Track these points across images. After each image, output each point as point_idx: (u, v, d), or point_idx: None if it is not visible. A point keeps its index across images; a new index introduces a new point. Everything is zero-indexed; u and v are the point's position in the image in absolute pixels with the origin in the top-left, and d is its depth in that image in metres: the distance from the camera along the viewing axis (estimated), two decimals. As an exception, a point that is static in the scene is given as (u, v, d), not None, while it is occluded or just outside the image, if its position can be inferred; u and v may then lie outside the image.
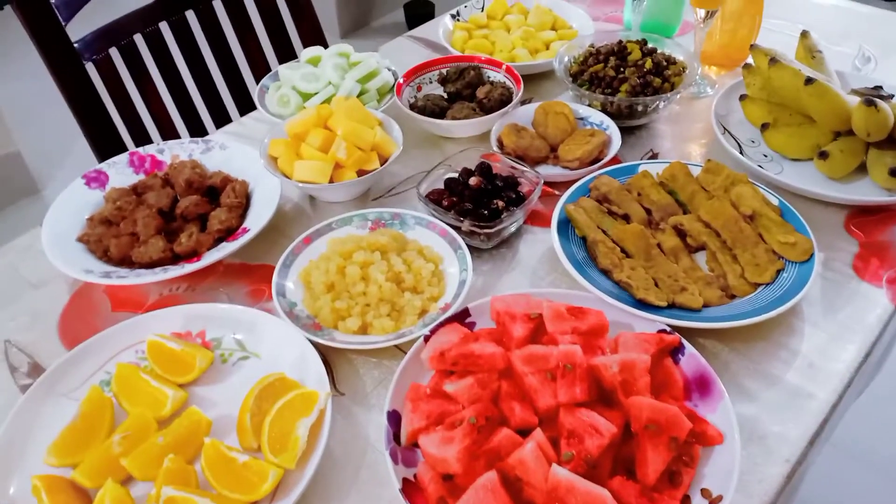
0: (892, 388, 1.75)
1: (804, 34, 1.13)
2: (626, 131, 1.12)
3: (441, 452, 0.66)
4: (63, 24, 1.32)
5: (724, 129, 1.08)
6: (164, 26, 1.50)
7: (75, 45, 1.35)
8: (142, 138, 1.49)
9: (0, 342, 0.86)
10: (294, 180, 0.96)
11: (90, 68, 1.37)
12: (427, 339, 0.77)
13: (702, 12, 1.11)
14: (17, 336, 0.87)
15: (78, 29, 1.36)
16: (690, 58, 1.12)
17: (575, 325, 0.76)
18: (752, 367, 0.79)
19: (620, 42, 1.13)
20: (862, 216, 0.96)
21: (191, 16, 1.54)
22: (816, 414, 0.74)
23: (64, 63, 1.34)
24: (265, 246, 0.96)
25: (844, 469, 1.66)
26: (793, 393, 0.76)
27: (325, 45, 1.73)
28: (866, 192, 0.97)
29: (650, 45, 1.13)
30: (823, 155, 0.96)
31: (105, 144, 1.42)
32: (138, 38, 1.47)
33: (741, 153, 1.04)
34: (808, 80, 0.95)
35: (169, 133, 1.52)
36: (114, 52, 1.42)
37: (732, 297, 0.84)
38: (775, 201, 0.92)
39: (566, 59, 1.15)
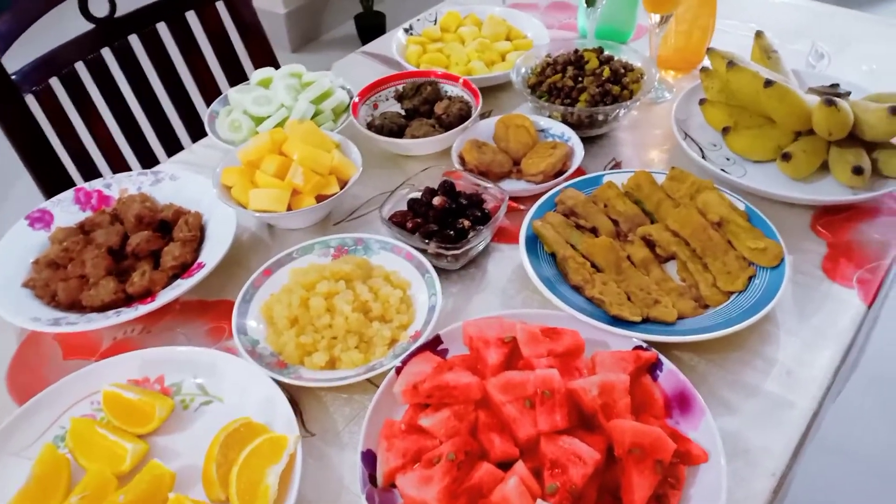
0: (870, 380, 1.77)
1: (759, 34, 1.13)
2: (587, 141, 1.11)
3: (420, 493, 0.63)
4: (-1, 54, 1.27)
5: (686, 134, 1.07)
6: (106, 53, 1.45)
7: (13, 76, 1.29)
8: (90, 172, 1.43)
9: (-57, 400, 0.81)
10: (250, 210, 0.93)
11: (31, 101, 1.32)
12: (399, 370, 0.74)
13: (656, 17, 1.10)
14: (-39, 392, 0.82)
15: (15, 60, 1.31)
16: (647, 63, 1.11)
17: (550, 348, 0.74)
18: (729, 378, 0.78)
19: (577, 51, 1.12)
20: (828, 216, 0.96)
21: (134, 40, 1.49)
22: (798, 423, 0.73)
23: (1, 96, 1.28)
24: (223, 280, 0.92)
25: (829, 465, 1.67)
26: (773, 403, 0.75)
27: (277, 65, 1.70)
28: (830, 191, 0.97)
29: (607, 53, 1.12)
30: (786, 157, 0.96)
31: (51, 181, 1.36)
32: (80, 67, 1.41)
33: (703, 158, 1.03)
34: (768, 83, 0.95)
35: (118, 164, 1.47)
36: (55, 83, 1.36)
37: (706, 306, 0.82)
38: (742, 206, 0.91)
39: (523, 70, 1.13)
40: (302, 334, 0.79)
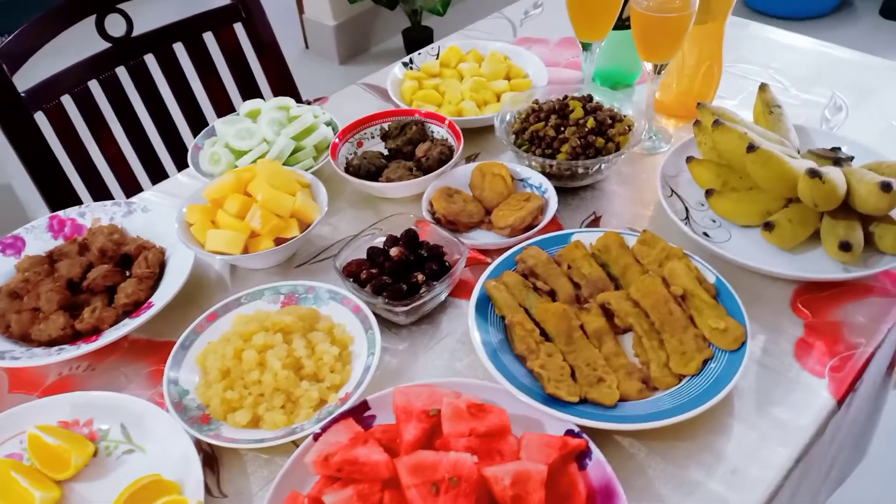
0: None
1: (762, 87, 1.06)
2: (570, 192, 1.06)
3: (303, 578, 0.60)
4: (9, 74, 1.30)
5: (672, 191, 1.02)
6: (121, 71, 1.48)
7: (23, 94, 1.32)
8: (99, 190, 1.46)
9: None
10: (206, 250, 0.92)
11: (41, 118, 1.35)
12: (317, 437, 0.72)
13: (650, 65, 1.05)
14: None
15: (27, 79, 1.34)
16: (639, 114, 1.06)
17: (473, 426, 0.70)
18: (671, 471, 0.72)
19: (564, 98, 1.07)
20: (812, 292, 0.89)
21: (150, 60, 1.52)
22: (735, 528, 0.68)
23: (10, 114, 1.31)
24: (176, 320, 0.91)
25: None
26: (713, 501, 0.69)
27: (294, 87, 1.71)
28: (818, 264, 0.90)
29: (596, 101, 1.07)
30: (769, 226, 0.90)
31: (58, 198, 1.39)
32: (94, 85, 1.44)
33: (687, 217, 0.98)
34: (751, 148, 0.89)
35: (128, 183, 1.50)
36: (67, 100, 1.40)
37: (655, 388, 0.77)
38: (712, 278, 0.85)
39: (508, 116, 1.09)
40: (230, 389, 0.78)
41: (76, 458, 0.74)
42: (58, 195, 1.39)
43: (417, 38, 3.48)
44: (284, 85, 1.69)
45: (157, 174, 1.53)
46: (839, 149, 0.97)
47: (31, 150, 1.34)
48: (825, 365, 0.81)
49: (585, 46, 1.13)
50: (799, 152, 1.00)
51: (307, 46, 3.74)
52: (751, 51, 1.38)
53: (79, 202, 1.40)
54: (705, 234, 0.96)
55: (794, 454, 0.73)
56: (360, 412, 0.75)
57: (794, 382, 0.80)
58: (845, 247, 0.86)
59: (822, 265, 0.90)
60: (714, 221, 0.98)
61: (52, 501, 0.71)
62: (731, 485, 0.71)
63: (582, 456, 0.70)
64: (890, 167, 0.90)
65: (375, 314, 0.88)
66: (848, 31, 3.45)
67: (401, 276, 0.89)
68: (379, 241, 0.95)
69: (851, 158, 0.96)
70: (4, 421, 0.78)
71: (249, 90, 1.63)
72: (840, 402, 0.78)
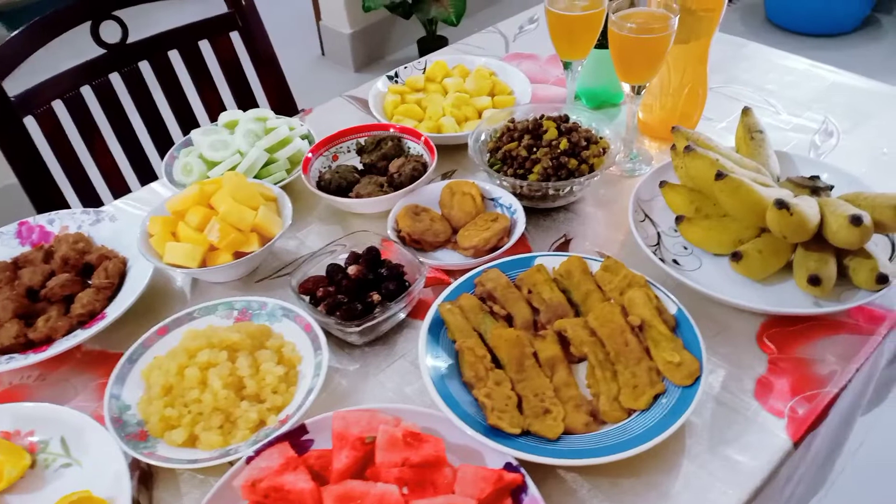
0: None
1: (745, 111, 1.03)
2: (542, 212, 1.04)
3: None
4: (-2, 78, 1.31)
5: (646, 215, 0.99)
6: (115, 78, 1.48)
7: (12, 98, 1.33)
8: (88, 195, 1.47)
9: None
10: (164, 262, 0.91)
11: (32, 123, 1.36)
12: (250, 460, 0.70)
13: (627, 86, 1.03)
14: None
15: (20, 82, 1.35)
16: (616, 136, 1.03)
17: (406, 456, 0.68)
18: (612, 509, 0.70)
19: (540, 118, 1.05)
20: (780, 326, 0.86)
21: (145, 67, 1.53)
22: (671, 575, 0.65)
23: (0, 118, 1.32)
24: (132, 330, 0.90)
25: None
26: (650, 546, 0.67)
27: (290, 98, 1.70)
28: (789, 297, 0.87)
29: (572, 122, 1.05)
30: (737, 256, 0.87)
31: (46, 202, 1.39)
32: (86, 90, 1.45)
33: (658, 243, 0.95)
34: (719, 175, 0.86)
35: (118, 188, 1.49)
36: (58, 105, 1.40)
37: (603, 423, 0.75)
38: (673, 309, 0.82)
39: (483, 134, 1.07)
40: (170, 406, 0.76)
41: (10, 471, 0.73)
42: (47, 201, 1.40)
43: (432, 47, 3.47)
44: (281, 95, 1.68)
45: (149, 182, 1.53)
46: (818, 177, 0.93)
47: (20, 154, 1.35)
48: (785, 404, 0.78)
49: (566, 65, 1.11)
50: (778, 180, 0.97)
51: (323, 53, 3.76)
52: (746, 72, 1.34)
53: (68, 208, 1.41)
54: (675, 261, 0.93)
55: (743, 497, 0.70)
56: (297, 436, 0.74)
57: (750, 421, 0.76)
58: (814, 281, 0.83)
59: (792, 298, 0.87)
60: (686, 248, 0.95)
61: (-19, 514, 0.71)
62: (674, 528, 0.68)
63: (518, 491, 0.68)
64: (867, 199, 0.87)
65: (330, 333, 0.87)
66: (872, 49, 3.38)
67: (357, 296, 0.87)
68: (342, 258, 0.93)
69: (831, 188, 0.93)
70: (-55, 429, 0.78)
71: (246, 100, 1.63)
72: (797, 444, 0.75)
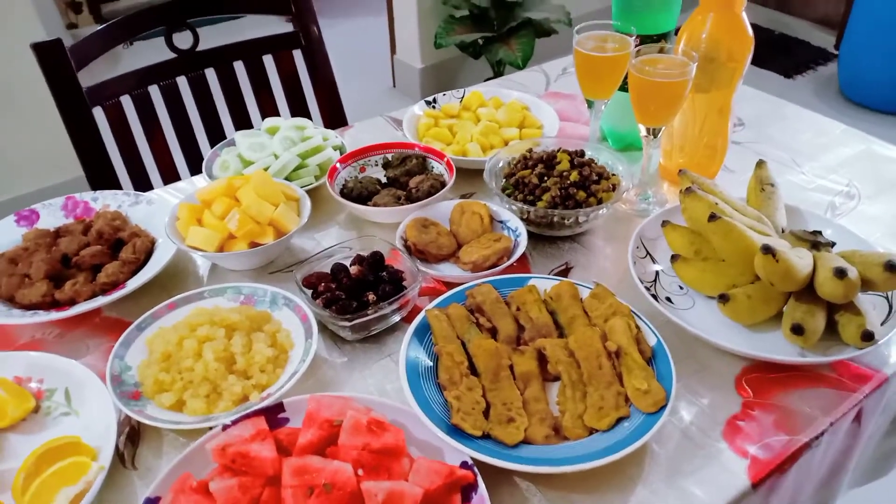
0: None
1: (760, 164, 1.05)
2: (548, 240, 1.08)
3: (162, 552, 0.63)
4: (75, 69, 1.43)
5: (648, 252, 1.01)
6: (181, 81, 1.60)
7: (85, 90, 1.45)
8: (142, 185, 1.57)
9: None
10: (186, 245, 0.98)
11: (99, 113, 1.48)
12: (226, 427, 0.75)
13: (643, 128, 1.06)
14: None
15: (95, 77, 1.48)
16: (630, 174, 1.07)
17: (368, 442, 0.72)
18: (559, 521, 0.72)
19: (556, 150, 1.09)
20: (760, 372, 0.87)
21: (210, 74, 1.64)
22: (603, 590, 0.66)
23: (71, 105, 1.44)
24: (148, 303, 0.97)
25: None
26: (589, 560, 0.68)
27: (342, 115, 1.79)
28: (775, 345, 0.88)
29: (587, 157, 1.09)
30: (724, 298, 0.88)
31: (102, 187, 1.50)
32: (153, 90, 1.57)
33: (656, 280, 0.97)
34: (712, 217, 0.88)
35: (169, 176, 1.60)
36: (126, 100, 1.52)
37: (565, 438, 0.77)
38: (653, 341, 0.84)
39: (501, 162, 1.12)
40: (164, 371, 0.82)
41: (13, 410, 0.80)
42: (103, 186, 1.50)
43: (497, 88, 3.56)
44: (334, 114, 1.78)
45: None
46: (819, 232, 0.94)
47: (85, 140, 1.47)
48: (751, 446, 0.78)
49: (590, 104, 1.15)
50: (783, 232, 0.98)
51: (394, 85, 3.89)
52: (780, 131, 1.35)
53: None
54: (669, 299, 0.95)
55: (690, 528, 0.71)
56: (273, 412, 0.78)
57: (713, 458, 0.77)
58: (797, 329, 0.84)
59: (777, 347, 0.88)
60: (681, 288, 0.97)
61: (-18, 445, 0.78)
62: (615, 546, 0.69)
63: (469, 489, 0.71)
64: (861, 256, 0.87)
65: (326, 327, 0.92)
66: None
67: (355, 294, 0.92)
68: (349, 261, 0.99)
69: (832, 244, 0.94)
70: (-36, 369, 0.85)
71: (300, 115, 1.72)
72: (756, 486, 0.75)
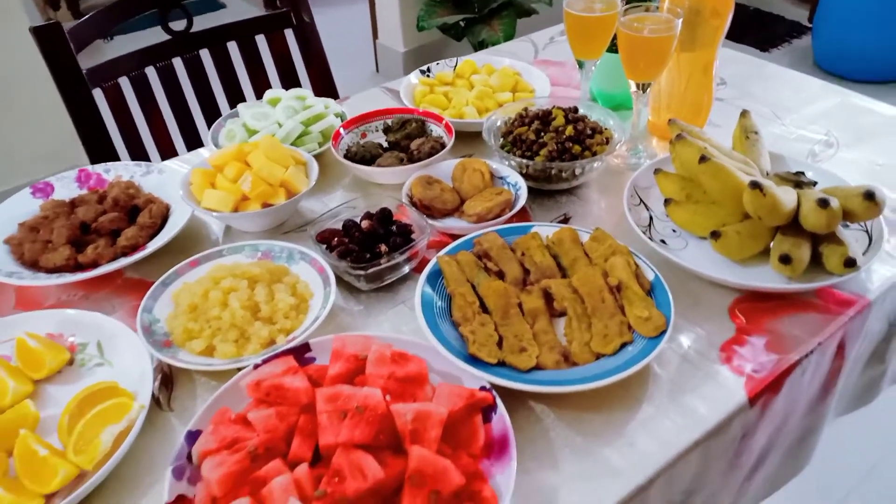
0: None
1: (744, 113, 1.11)
2: (547, 194, 1.13)
3: (209, 474, 0.68)
4: (74, 52, 1.46)
5: (641, 200, 1.07)
6: (177, 62, 1.63)
7: (84, 72, 1.48)
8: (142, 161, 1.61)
9: None
10: (201, 207, 1.03)
11: (99, 94, 1.51)
12: (257, 366, 0.80)
13: (633, 84, 1.12)
14: (-73, 321, 0.96)
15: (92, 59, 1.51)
16: (620, 129, 1.12)
17: (393, 371, 0.77)
18: (572, 437, 0.77)
19: (551, 108, 1.14)
20: (751, 301, 0.93)
21: (205, 55, 1.67)
22: (617, 491, 0.72)
23: (72, 87, 1.47)
24: (168, 264, 1.00)
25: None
26: (603, 467, 0.74)
27: (335, 93, 1.83)
28: (762, 277, 0.94)
29: (581, 114, 1.14)
30: (715, 235, 0.94)
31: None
32: (150, 71, 1.60)
33: (650, 224, 1.03)
34: (702, 159, 0.94)
35: (168, 154, 1.63)
36: (124, 82, 1.55)
37: (574, 364, 0.83)
38: (651, 276, 0.90)
39: (499, 121, 1.17)
40: (192, 321, 0.87)
41: (50, 361, 0.84)
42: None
43: (480, 70, 3.61)
44: (326, 89, 1.81)
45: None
46: (802, 173, 1.00)
47: (86, 120, 1.50)
48: (746, 365, 0.84)
49: (581, 64, 1.20)
50: (767, 175, 1.04)
51: (377, 70, 3.93)
52: (761, 89, 1.42)
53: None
54: (663, 241, 1.01)
55: (693, 437, 0.77)
56: (301, 352, 0.83)
57: (711, 377, 0.83)
58: (784, 259, 0.90)
59: (766, 278, 0.93)
60: (674, 231, 1.03)
61: (24, 394, 0.82)
62: (626, 456, 0.75)
63: (488, 410, 0.76)
64: (842, 190, 0.93)
65: (340, 280, 0.97)
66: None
67: (367, 247, 0.97)
68: (358, 218, 1.03)
69: (814, 184, 1.00)
70: (2, 325, 0.89)
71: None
72: (753, 401, 0.81)
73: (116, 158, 1.55)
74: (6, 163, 2.77)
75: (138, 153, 1.60)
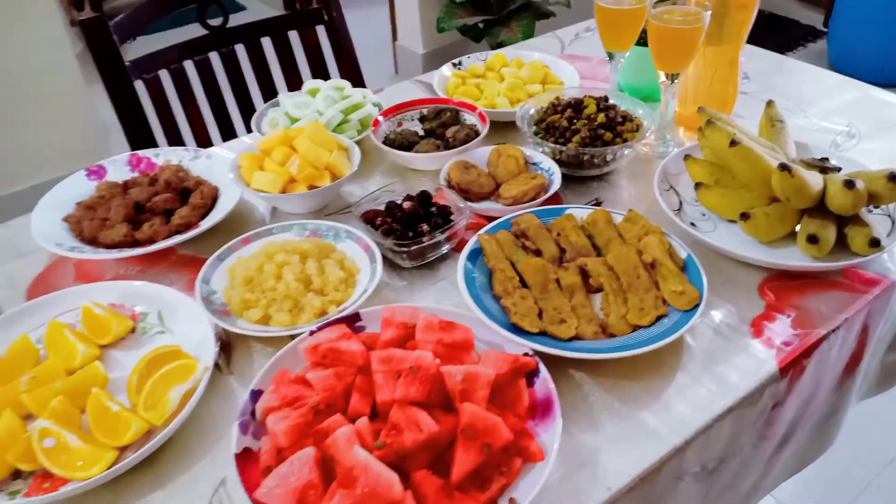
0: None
1: (769, 103, 1.15)
2: (579, 180, 1.17)
3: (275, 426, 0.73)
4: (118, 44, 1.52)
5: (671, 186, 1.11)
6: (213, 56, 1.69)
7: (127, 63, 1.54)
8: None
9: (-23, 296, 1.01)
10: (252, 188, 1.08)
11: (140, 86, 1.56)
12: (312, 333, 0.85)
13: (663, 74, 1.16)
14: (-7, 292, 1.01)
15: (134, 52, 1.56)
16: (650, 117, 1.17)
17: (440, 337, 0.81)
18: (611, 402, 0.82)
19: (582, 97, 1.19)
20: (779, 280, 0.97)
21: (240, 49, 1.73)
22: (655, 452, 0.76)
23: (115, 78, 1.53)
24: (219, 243, 1.05)
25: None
26: (640, 430, 0.78)
27: (363, 87, 1.88)
28: (790, 258, 0.98)
29: (612, 102, 1.19)
30: (745, 216, 0.98)
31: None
32: (188, 64, 1.66)
33: (680, 209, 1.07)
34: (733, 143, 0.98)
35: (204, 144, 1.69)
36: (164, 74, 1.61)
37: (611, 335, 0.87)
38: (683, 254, 0.94)
39: (532, 110, 1.22)
40: (249, 292, 0.92)
41: (116, 327, 0.89)
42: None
43: (497, 71, 3.66)
44: (356, 83, 1.86)
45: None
46: (827, 159, 1.04)
47: (128, 110, 1.55)
48: (776, 338, 0.88)
49: (610, 56, 1.25)
50: (793, 161, 1.08)
51: (397, 71, 3.99)
52: (783, 83, 1.46)
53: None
54: (693, 224, 1.05)
55: (726, 404, 0.81)
56: (352, 321, 0.88)
57: (742, 349, 0.87)
58: (812, 239, 0.94)
59: (793, 258, 0.98)
60: (704, 215, 1.07)
61: (91, 357, 0.87)
62: (663, 419, 0.79)
63: (532, 374, 0.81)
64: (866, 174, 0.97)
65: (384, 258, 1.01)
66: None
67: (409, 226, 1.01)
68: (395, 199, 1.08)
69: (839, 169, 1.04)
70: (67, 295, 0.94)
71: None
72: (783, 371, 0.85)
73: (155, 146, 1.61)
74: (35, 158, 2.84)
75: (176, 142, 1.66)
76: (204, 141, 1.69)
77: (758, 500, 1.04)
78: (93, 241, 1.05)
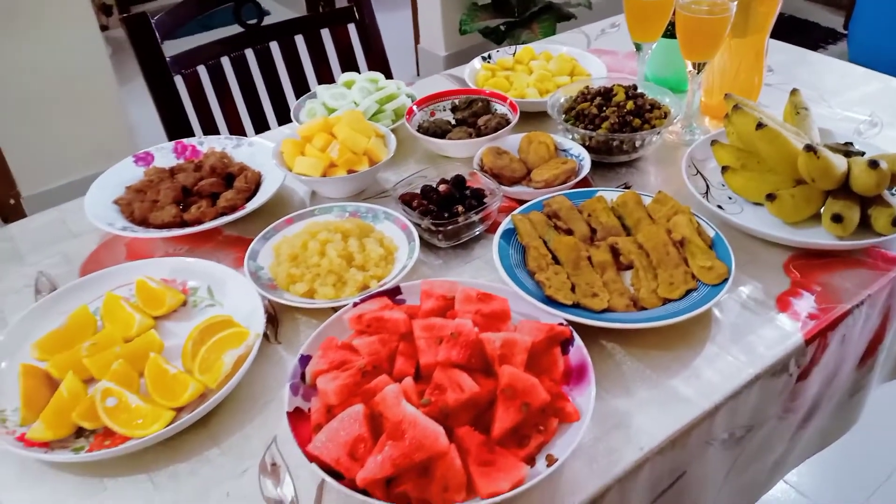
0: None
1: (794, 92, 1.18)
2: (607, 166, 1.21)
3: (325, 386, 0.77)
4: (160, 41, 1.58)
5: (698, 170, 1.15)
6: (249, 53, 1.75)
7: (167, 59, 1.60)
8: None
9: (34, 273, 1.06)
10: (294, 173, 1.12)
11: (178, 81, 1.62)
12: (356, 304, 0.89)
13: (690, 64, 1.19)
14: (49, 270, 1.07)
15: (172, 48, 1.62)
16: (677, 105, 1.20)
17: (478, 308, 0.86)
18: (642, 370, 0.85)
19: (612, 85, 1.23)
20: (805, 259, 1.00)
21: (274, 47, 1.78)
22: (686, 415, 0.79)
23: (156, 73, 1.59)
24: (263, 225, 1.10)
25: None
26: (671, 395, 0.82)
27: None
28: (815, 238, 1.01)
29: (640, 91, 1.22)
30: (771, 197, 1.01)
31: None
32: (225, 60, 1.71)
33: (707, 192, 1.11)
34: (759, 125, 1.01)
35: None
36: (202, 69, 1.67)
37: (642, 308, 0.90)
38: (711, 233, 0.98)
39: (562, 98, 1.26)
40: (294, 267, 0.96)
41: (170, 299, 0.94)
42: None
43: (519, 72, 3.70)
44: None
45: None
46: (851, 143, 1.07)
47: (168, 104, 1.61)
48: (802, 311, 0.91)
49: (638, 47, 1.28)
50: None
51: (418, 74, 4.05)
52: (806, 74, 1.49)
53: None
54: (720, 206, 1.08)
55: (753, 372, 0.84)
56: (393, 294, 0.92)
57: (769, 322, 0.91)
58: (836, 218, 0.97)
59: (818, 238, 1.00)
60: (730, 199, 1.10)
61: (147, 326, 0.92)
62: (693, 386, 0.83)
63: (566, 343, 0.84)
64: (891, 157, 1.00)
65: (421, 239, 1.06)
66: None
67: (445, 208, 1.06)
68: (430, 183, 1.12)
69: (862, 153, 1.07)
70: (122, 270, 1.00)
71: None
72: (808, 342, 0.88)
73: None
74: (67, 157, 2.91)
75: (212, 135, 1.71)
76: (239, 134, 1.75)
77: (781, 477, 1.07)
78: (143, 222, 1.10)
